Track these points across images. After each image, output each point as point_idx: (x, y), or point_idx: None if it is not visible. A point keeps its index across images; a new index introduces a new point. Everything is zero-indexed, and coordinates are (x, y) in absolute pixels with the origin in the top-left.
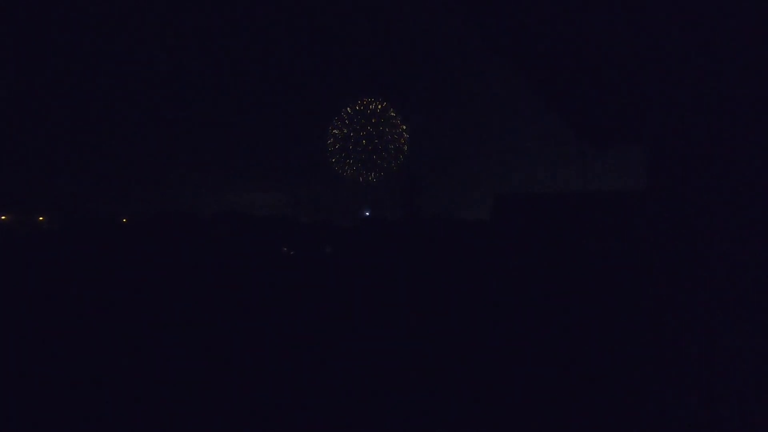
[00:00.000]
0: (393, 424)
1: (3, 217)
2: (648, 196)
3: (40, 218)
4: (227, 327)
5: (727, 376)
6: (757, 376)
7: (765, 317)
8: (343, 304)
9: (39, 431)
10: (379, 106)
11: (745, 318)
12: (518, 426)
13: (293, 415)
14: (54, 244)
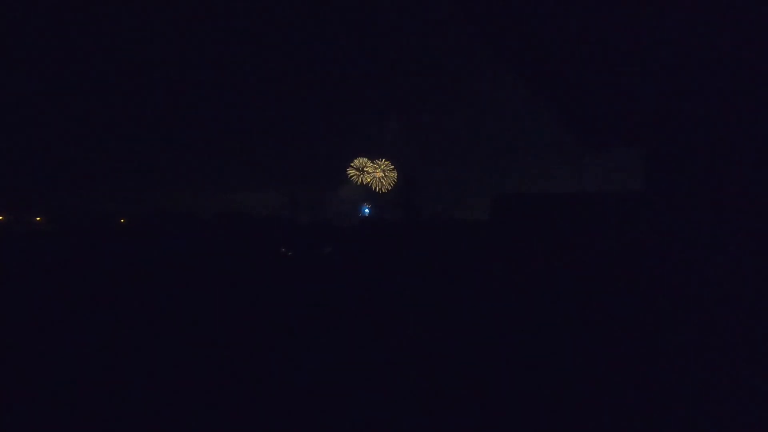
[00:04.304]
0: (392, 425)
1: (0, 218)
2: (645, 197)
3: (38, 218)
4: (226, 327)
5: (726, 376)
6: (756, 376)
7: (763, 317)
8: (343, 304)
9: (37, 431)
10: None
11: (743, 317)
12: (518, 426)
13: (292, 416)
14: (51, 244)
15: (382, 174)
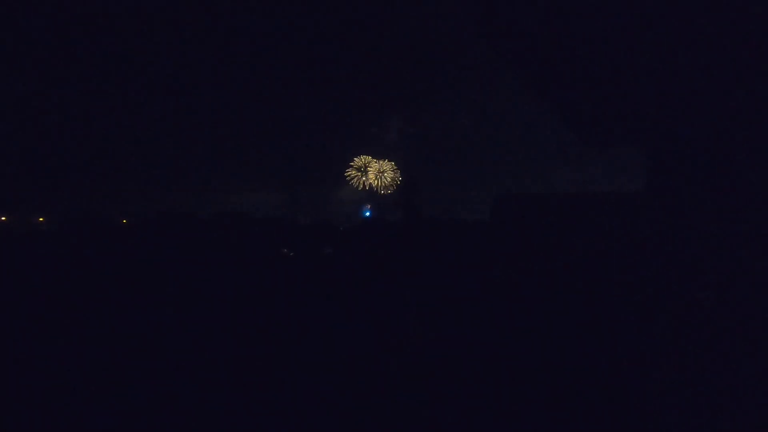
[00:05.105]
0: (393, 425)
1: (2, 218)
2: (646, 197)
3: (40, 219)
4: (226, 328)
5: (726, 376)
6: (757, 376)
7: (764, 317)
8: (344, 305)
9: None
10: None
11: (743, 318)
12: (518, 426)
13: (292, 417)
14: (54, 244)
15: (392, 175)
